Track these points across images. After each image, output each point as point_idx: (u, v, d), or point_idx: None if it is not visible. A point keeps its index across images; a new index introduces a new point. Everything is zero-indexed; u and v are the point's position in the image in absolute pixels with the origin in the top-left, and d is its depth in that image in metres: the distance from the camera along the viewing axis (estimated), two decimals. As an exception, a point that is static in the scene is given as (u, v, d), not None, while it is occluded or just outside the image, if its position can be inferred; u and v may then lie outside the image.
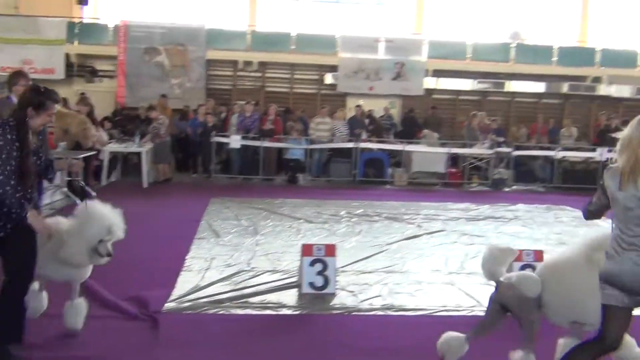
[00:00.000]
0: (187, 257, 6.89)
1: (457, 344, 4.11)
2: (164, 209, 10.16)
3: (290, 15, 20.82)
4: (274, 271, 6.44)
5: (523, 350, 3.88)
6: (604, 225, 4.02)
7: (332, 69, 19.12)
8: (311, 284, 5.78)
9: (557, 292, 3.91)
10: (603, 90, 19.65)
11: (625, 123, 12.89)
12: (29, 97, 4.13)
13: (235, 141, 14.00)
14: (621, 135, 3.39)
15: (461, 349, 4.10)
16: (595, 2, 20.99)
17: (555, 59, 19.87)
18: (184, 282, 5.93)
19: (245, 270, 6.43)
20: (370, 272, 6.56)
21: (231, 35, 19.43)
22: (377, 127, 16.15)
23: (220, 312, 5.20)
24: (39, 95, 4.13)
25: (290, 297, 5.69)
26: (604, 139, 15.47)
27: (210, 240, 7.85)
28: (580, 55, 20.14)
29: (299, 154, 14.51)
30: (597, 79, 19.80)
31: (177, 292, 5.62)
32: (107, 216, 4.33)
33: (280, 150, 14.82)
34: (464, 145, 15.44)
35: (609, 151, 14.60)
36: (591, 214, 3.68)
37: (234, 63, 19.30)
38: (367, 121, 16.24)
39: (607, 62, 19.83)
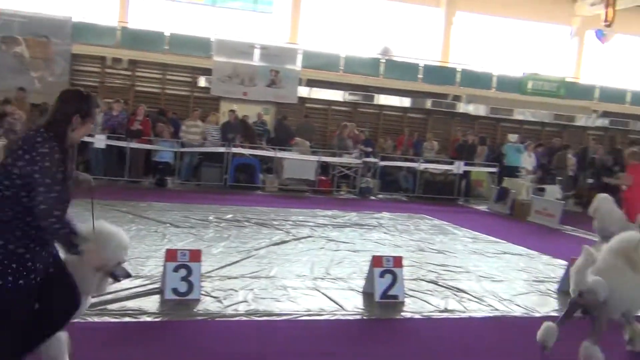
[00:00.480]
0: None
1: (553, 332, 4.87)
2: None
3: (164, 14, 20.24)
4: (136, 277, 6.18)
5: (591, 341, 4.66)
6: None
7: (206, 72, 18.85)
8: (174, 290, 5.64)
9: (613, 291, 4.63)
10: (462, 108, 21.09)
11: (480, 140, 13.99)
12: (77, 102, 3.41)
13: (100, 141, 13.36)
14: None
15: (556, 336, 4.87)
16: (458, 23, 22.42)
17: (420, 76, 21.02)
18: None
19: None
20: (236, 278, 6.52)
21: (100, 30, 18.54)
22: (250, 133, 16.13)
23: (76, 320, 4.89)
24: (87, 101, 3.45)
25: (151, 303, 5.51)
26: (462, 153, 16.60)
27: (68, 244, 7.39)
28: (442, 74, 21.47)
29: (169, 157, 14.13)
30: (457, 97, 21.20)
31: (26, 299, 5.23)
32: (120, 235, 3.80)
33: (148, 152, 14.34)
34: (334, 154, 15.84)
35: (466, 164, 15.72)
36: None
37: (102, 59, 18.43)
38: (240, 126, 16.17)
39: (466, 82, 21.32)
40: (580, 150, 17.41)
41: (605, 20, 20.88)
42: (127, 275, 3.83)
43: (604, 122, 22.53)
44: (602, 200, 9.14)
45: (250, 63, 19.06)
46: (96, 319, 4.98)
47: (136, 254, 7.11)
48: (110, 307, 5.28)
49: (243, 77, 19.00)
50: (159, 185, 13.75)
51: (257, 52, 19.14)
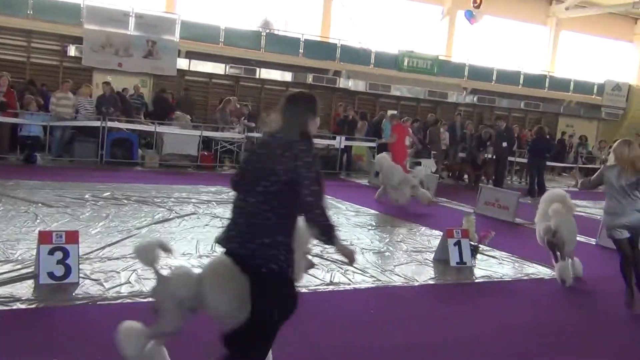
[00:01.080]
0: None
1: (565, 269, 7.01)
2: None
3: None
4: (5, 261, 5.78)
5: (562, 261, 6.95)
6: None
7: (77, 40, 17.72)
8: (50, 274, 5.32)
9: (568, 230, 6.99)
10: (342, 83, 21.48)
11: (361, 115, 14.42)
12: (314, 102, 3.66)
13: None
14: (613, 151, 6.21)
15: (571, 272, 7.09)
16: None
17: (301, 51, 21.10)
18: None
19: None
20: (117, 259, 6.27)
21: (-51, -9, 16.78)
22: (127, 106, 15.42)
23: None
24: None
25: (25, 289, 5.17)
26: (343, 128, 16.93)
27: None
28: (323, 49, 21.69)
29: (38, 131, 13.20)
30: (337, 73, 21.54)
31: None
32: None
33: (14, 126, 13.28)
34: (216, 129, 15.56)
35: (347, 139, 16.05)
36: (584, 186, 6.97)
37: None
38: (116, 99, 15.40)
39: (346, 57, 21.70)
40: (449, 125, 18.37)
41: (474, 2, 22.13)
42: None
43: (472, 99, 23.94)
44: (382, 159, 11.93)
45: (125, 32, 18.13)
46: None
47: (4, 236, 6.63)
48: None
49: (117, 47, 18.05)
50: (27, 161, 12.79)
51: (132, 21, 18.23)
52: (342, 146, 16.19)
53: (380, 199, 11.81)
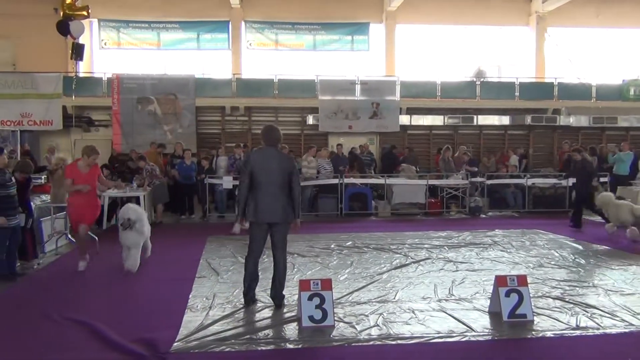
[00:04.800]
0: (190, 297, 6.73)
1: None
2: (164, 249, 9.94)
3: (271, 63, 21.07)
4: (274, 306, 6.31)
5: None
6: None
7: (313, 110, 19.27)
8: (310, 318, 5.65)
9: None
10: (562, 120, 20.03)
11: (591, 150, 13.33)
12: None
13: (227, 182, 13.92)
14: None
15: None
16: (549, 39, 21.52)
17: (517, 93, 20.25)
18: (189, 322, 5.76)
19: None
20: (365, 303, 6.45)
21: (218, 83, 19.57)
22: (359, 163, 16.19)
23: (227, 350, 5.04)
24: None
25: (291, 331, 5.56)
26: (569, 166, 15.65)
27: (210, 278, 7.69)
28: (540, 89, 20.56)
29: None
30: (556, 111, 20.18)
31: (183, 331, 5.45)
32: None
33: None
34: (440, 177, 15.50)
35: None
36: None
37: (222, 109, 19.38)
38: (348, 157, 16.30)
39: (564, 94, 20.26)
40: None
41: None
42: None
43: None
44: (604, 197, 11.23)
45: (352, 98, 19.29)
46: (243, 348, 5.08)
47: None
48: (254, 336, 5.39)
49: (347, 111, 19.24)
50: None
51: (358, 88, 19.35)
52: (571, 184, 14.89)
53: (612, 234, 10.63)
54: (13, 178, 7.82)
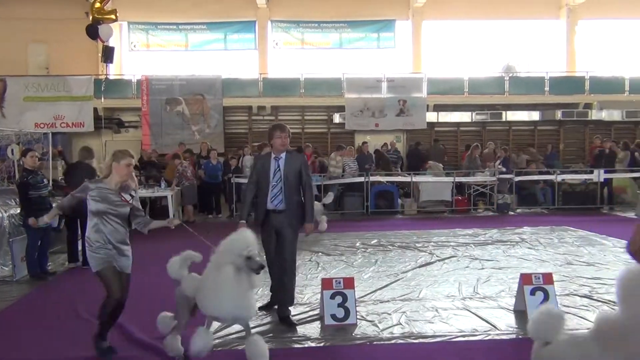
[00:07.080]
0: (214, 295, 6.79)
1: None
2: (193, 249, 10.02)
3: (298, 62, 21.12)
4: (297, 304, 6.32)
5: None
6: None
7: (340, 109, 19.25)
8: (333, 316, 5.67)
9: None
10: (594, 115, 19.59)
11: (624, 145, 12.86)
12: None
13: (252, 181, 14.02)
14: None
15: None
16: (580, 32, 21.10)
17: (547, 88, 19.88)
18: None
19: (270, 304, 6.33)
20: (388, 301, 6.44)
21: (245, 83, 19.70)
22: (385, 161, 16.12)
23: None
24: None
25: (314, 329, 5.59)
26: (600, 161, 15.34)
27: (235, 277, 7.76)
28: (570, 84, 20.14)
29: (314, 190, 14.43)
30: (588, 105, 19.75)
31: (207, 329, 5.52)
32: None
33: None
34: (467, 174, 15.33)
35: (606, 172, 14.50)
36: None
37: (249, 108, 19.52)
38: (374, 156, 16.24)
39: (596, 89, 19.81)
40: None
41: None
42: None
43: None
44: None
45: (379, 96, 19.20)
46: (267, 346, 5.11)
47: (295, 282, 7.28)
48: (277, 333, 5.43)
49: (373, 109, 19.17)
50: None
51: (384, 85, 19.25)
52: (602, 179, 14.61)
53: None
54: (45, 180, 8.02)
